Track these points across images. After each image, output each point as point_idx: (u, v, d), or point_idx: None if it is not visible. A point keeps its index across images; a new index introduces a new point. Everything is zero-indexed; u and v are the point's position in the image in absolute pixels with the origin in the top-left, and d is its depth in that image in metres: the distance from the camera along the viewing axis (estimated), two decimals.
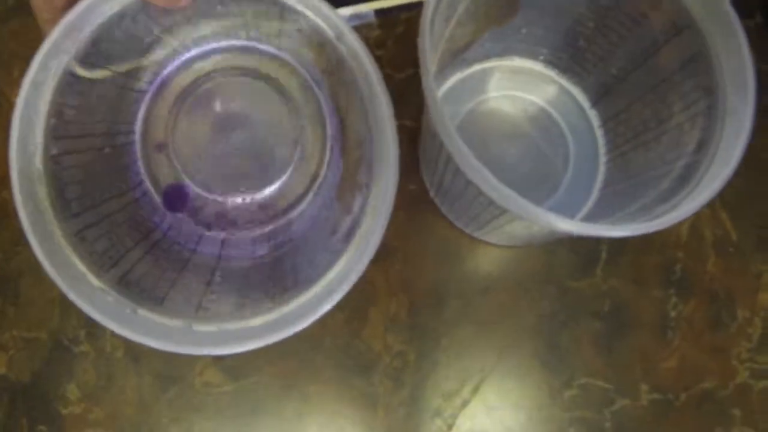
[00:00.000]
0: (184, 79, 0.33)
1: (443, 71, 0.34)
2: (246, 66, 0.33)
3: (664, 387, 0.35)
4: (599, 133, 0.35)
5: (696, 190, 0.26)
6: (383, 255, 0.35)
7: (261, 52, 0.33)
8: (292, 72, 0.33)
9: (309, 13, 0.27)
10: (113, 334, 0.26)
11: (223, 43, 0.33)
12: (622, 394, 0.34)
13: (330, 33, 0.27)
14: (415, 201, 0.36)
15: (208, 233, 0.32)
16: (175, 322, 0.25)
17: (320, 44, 0.29)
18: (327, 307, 0.25)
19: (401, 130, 0.37)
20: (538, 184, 0.35)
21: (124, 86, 0.31)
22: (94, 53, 0.27)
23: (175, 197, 0.33)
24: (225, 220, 0.33)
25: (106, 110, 0.30)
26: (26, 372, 0.35)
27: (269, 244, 0.32)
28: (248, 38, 0.33)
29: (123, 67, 0.30)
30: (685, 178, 0.27)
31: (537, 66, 0.36)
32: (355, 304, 0.35)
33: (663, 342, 0.35)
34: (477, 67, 0.36)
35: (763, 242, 0.36)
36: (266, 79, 0.33)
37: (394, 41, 0.37)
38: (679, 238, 0.36)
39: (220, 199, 0.33)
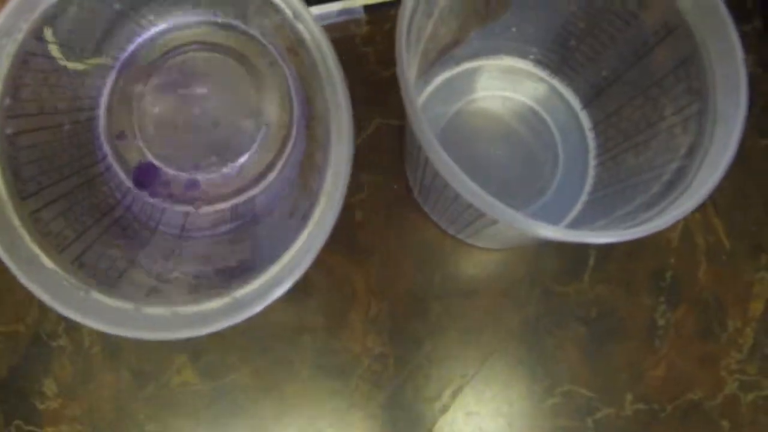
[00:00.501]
0: (150, 55, 0.33)
1: (430, 70, 0.34)
2: (212, 41, 0.33)
3: (649, 397, 0.34)
4: (590, 135, 0.35)
5: (684, 195, 0.25)
6: (364, 255, 0.35)
7: (227, 27, 0.33)
8: (260, 48, 0.33)
9: None
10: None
11: (189, 19, 0.33)
12: (606, 402, 0.34)
13: (287, 12, 0.27)
14: (398, 200, 0.35)
15: (173, 209, 0.32)
16: (126, 305, 0.25)
17: (280, 22, 0.29)
18: (280, 291, 0.25)
19: (387, 128, 0.36)
20: (526, 187, 0.35)
21: (88, 62, 0.30)
22: (52, 31, 0.27)
23: (144, 176, 0.33)
24: (192, 195, 0.33)
25: (68, 87, 0.30)
26: (4, 366, 0.35)
27: (231, 223, 0.32)
28: (214, 14, 0.33)
29: (86, 45, 0.30)
30: (675, 183, 0.26)
31: (527, 66, 0.35)
32: (334, 305, 0.34)
33: (650, 350, 0.34)
34: (465, 66, 0.35)
35: (756, 250, 0.35)
36: (233, 54, 0.33)
37: (383, 38, 0.37)
38: (669, 244, 0.35)
39: (186, 174, 0.33)
